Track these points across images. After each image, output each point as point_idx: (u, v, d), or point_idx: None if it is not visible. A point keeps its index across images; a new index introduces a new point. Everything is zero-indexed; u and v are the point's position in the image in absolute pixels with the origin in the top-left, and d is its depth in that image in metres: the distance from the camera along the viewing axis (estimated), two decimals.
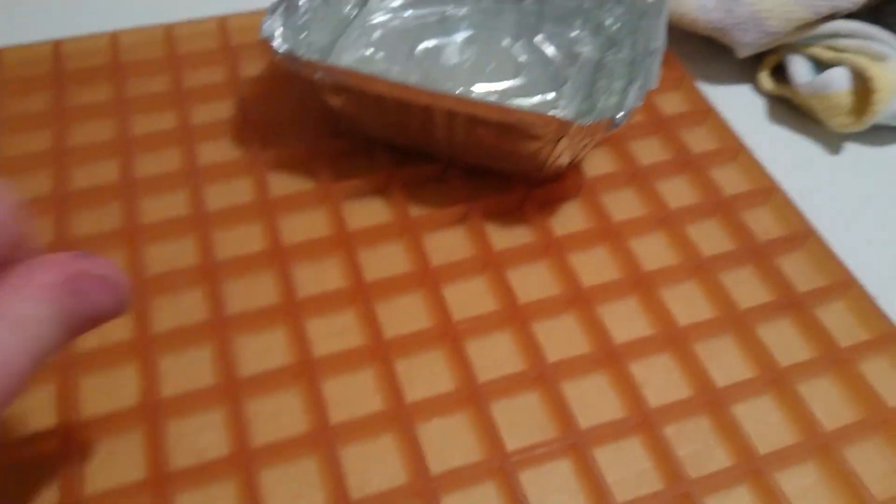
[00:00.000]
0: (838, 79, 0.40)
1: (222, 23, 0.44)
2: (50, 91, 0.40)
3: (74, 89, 0.40)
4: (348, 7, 0.42)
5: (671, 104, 0.43)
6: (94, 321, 0.20)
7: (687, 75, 0.44)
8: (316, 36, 0.38)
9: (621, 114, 0.32)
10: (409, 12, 0.43)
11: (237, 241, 0.34)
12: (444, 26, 0.43)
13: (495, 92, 0.39)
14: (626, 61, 0.39)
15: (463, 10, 0.44)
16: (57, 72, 0.40)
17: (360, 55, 0.41)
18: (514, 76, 0.40)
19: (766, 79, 0.44)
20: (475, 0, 0.44)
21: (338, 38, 0.41)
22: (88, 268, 0.19)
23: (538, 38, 0.43)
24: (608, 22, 0.42)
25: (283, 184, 0.37)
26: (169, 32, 0.43)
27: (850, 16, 0.42)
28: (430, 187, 0.37)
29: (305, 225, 0.35)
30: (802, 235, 0.36)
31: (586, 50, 0.42)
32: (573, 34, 0.43)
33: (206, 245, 0.33)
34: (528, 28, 0.43)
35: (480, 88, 0.39)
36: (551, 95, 0.39)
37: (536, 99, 0.39)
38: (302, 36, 0.37)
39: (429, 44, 0.42)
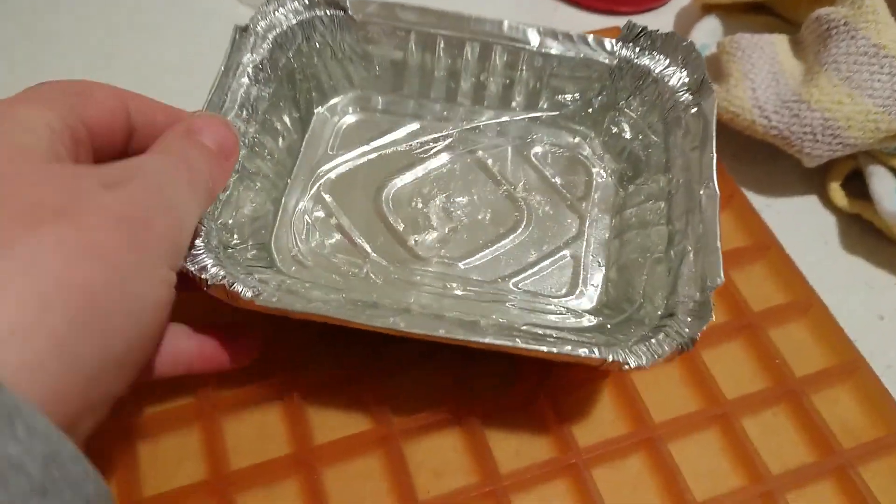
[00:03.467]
0: None
1: None
2: None
3: None
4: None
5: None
6: None
7: (738, 191, 0.35)
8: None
9: (687, 338, 0.24)
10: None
11: None
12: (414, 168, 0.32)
13: (494, 262, 0.30)
14: (662, 209, 0.29)
15: (441, 137, 0.33)
16: None
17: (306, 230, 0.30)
18: (513, 229, 0.31)
19: (837, 192, 0.35)
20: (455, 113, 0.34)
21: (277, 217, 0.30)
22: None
23: (536, 152, 0.33)
24: (627, 133, 0.33)
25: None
26: None
27: None
28: (410, 376, 0.29)
29: (250, 435, 0.27)
30: None
31: (598, 172, 0.33)
32: (574, 140, 0.34)
33: None
34: (518, 136, 0.34)
35: (469, 263, 0.30)
36: (565, 256, 0.30)
37: (548, 265, 0.30)
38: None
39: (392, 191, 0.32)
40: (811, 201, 0.36)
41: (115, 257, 0.17)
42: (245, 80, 0.29)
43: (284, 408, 0.28)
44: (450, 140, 0.33)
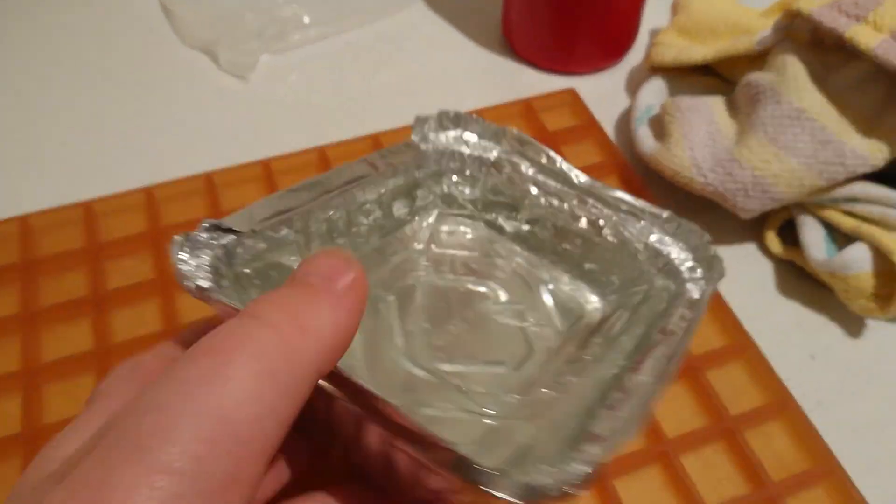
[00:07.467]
0: (859, 259, 0.34)
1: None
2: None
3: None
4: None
5: None
6: None
7: None
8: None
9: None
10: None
11: None
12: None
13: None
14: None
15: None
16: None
17: None
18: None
19: (773, 240, 0.38)
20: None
21: None
22: None
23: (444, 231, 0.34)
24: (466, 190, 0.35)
25: None
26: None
27: (871, 176, 0.36)
28: None
29: None
30: (825, 471, 0.31)
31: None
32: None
33: None
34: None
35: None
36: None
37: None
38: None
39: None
40: (750, 249, 0.39)
41: None
42: None
43: None
44: (390, 277, 0.32)
